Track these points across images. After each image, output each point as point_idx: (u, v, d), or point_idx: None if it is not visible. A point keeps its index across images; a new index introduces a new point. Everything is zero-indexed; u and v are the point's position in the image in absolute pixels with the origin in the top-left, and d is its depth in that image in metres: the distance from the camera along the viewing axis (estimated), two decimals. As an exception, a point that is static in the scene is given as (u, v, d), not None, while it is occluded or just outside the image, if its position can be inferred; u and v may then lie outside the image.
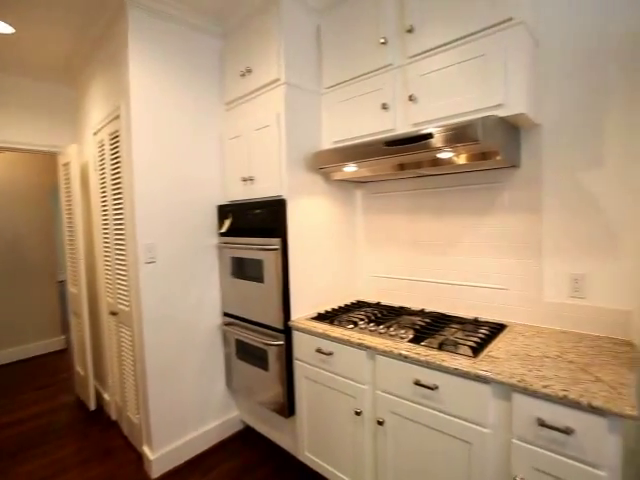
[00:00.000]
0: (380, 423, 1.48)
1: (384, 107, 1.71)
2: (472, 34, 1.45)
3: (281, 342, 1.87)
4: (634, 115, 1.39)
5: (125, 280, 2.13)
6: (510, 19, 1.36)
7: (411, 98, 1.62)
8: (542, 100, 1.58)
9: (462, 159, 1.52)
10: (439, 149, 1.38)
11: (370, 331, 1.62)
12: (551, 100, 1.56)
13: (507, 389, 1.15)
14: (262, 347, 1.98)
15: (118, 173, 2.12)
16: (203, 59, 2.19)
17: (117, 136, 2.10)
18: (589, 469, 1.01)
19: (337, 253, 2.15)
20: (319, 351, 1.71)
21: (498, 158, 1.44)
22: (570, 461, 1.04)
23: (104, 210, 2.37)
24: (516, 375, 1.13)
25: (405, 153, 1.47)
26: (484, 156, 1.47)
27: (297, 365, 1.85)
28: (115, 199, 2.18)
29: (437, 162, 1.57)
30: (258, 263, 1.97)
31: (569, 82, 1.52)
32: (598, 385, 1.05)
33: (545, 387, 1.06)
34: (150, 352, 1.98)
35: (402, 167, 1.70)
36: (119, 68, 2.03)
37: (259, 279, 1.97)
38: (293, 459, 2.09)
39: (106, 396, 2.70)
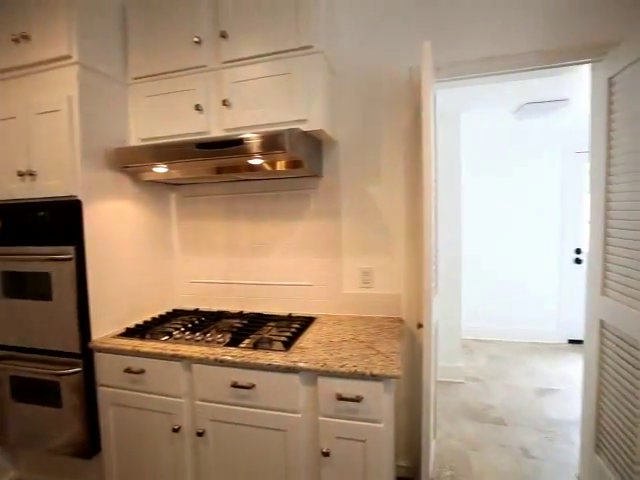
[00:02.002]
0: (200, 434, 1.43)
1: (198, 108, 1.67)
2: (280, 52, 1.57)
3: (78, 369, 1.57)
4: (394, 145, 1.81)
5: None
6: (311, 47, 1.54)
7: (225, 103, 1.63)
8: (338, 120, 1.85)
9: (272, 166, 1.63)
10: (249, 155, 1.44)
11: (186, 340, 1.54)
12: (345, 122, 1.86)
13: (313, 374, 1.30)
14: (52, 379, 1.62)
15: None
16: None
17: None
18: (373, 425, 1.24)
19: (150, 260, 1.96)
20: (129, 371, 1.51)
21: (305, 167, 1.61)
22: (361, 423, 1.25)
23: None
24: (320, 361, 1.29)
25: (217, 157, 1.47)
26: (292, 165, 1.61)
27: (102, 392, 1.59)
28: None
29: (251, 167, 1.63)
30: (44, 277, 1.60)
31: (357, 109, 1.84)
32: (378, 357, 1.31)
33: (342, 366, 1.24)
34: None
35: (219, 171, 1.70)
36: None
37: (46, 296, 1.60)
38: (100, 504, 1.78)
39: None
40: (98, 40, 1.67)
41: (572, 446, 2.14)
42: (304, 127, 1.55)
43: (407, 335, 1.81)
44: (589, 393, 1.74)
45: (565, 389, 2.87)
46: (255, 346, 1.44)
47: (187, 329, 1.67)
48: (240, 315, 1.92)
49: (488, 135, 3.88)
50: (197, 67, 1.68)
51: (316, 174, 1.82)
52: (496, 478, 1.93)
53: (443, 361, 3.01)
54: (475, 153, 3.91)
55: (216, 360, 1.37)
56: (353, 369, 1.22)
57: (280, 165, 1.63)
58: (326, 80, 1.64)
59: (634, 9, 1.54)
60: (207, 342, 1.51)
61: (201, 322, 1.79)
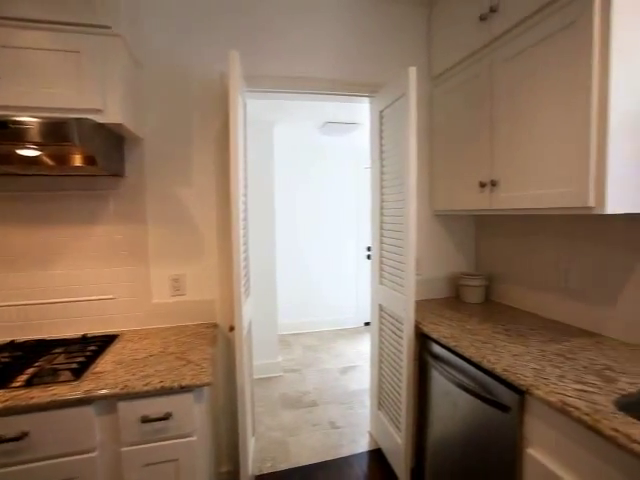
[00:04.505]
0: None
1: None
2: (68, 24, 1.30)
3: None
4: (206, 148, 1.78)
5: None
6: (108, 27, 1.34)
7: (-16, 72, 1.24)
8: (145, 117, 1.70)
9: (57, 160, 1.35)
10: (21, 144, 1.15)
11: None
12: (153, 119, 1.72)
13: (112, 401, 1.13)
14: None
15: None
16: None
17: None
18: (185, 440, 1.19)
19: None
20: None
21: (100, 164, 1.39)
22: (172, 441, 1.18)
23: None
24: (120, 383, 1.14)
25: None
26: (85, 160, 1.37)
27: None
28: None
29: (30, 160, 1.30)
30: None
31: (168, 107, 1.73)
32: (189, 367, 1.26)
33: (146, 385, 1.13)
34: None
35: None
36: None
37: None
38: None
39: None
40: None
41: (366, 409, 2.60)
42: (99, 118, 1.34)
43: (223, 339, 1.81)
44: (374, 363, 2.16)
45: (362, 364, 3.46)
46: (30, 382, 1.14)
47: None
48: (11, 346, 1.50)
49: (299, 147, 4.29)
50: None
51: (116, 173, 1.60)
52: (310, 454, 2.15)
53: (262, 358, 3.16)
54: (288, 162, 4.26)
55: (-39, 414, 1.03)
56: (159, 385, 1.13)
57: (70, 160, 1.36)
58: (128, 70, 1.48)
59: (394, 61, 2.01)
60: (-53, 391, 1.11)
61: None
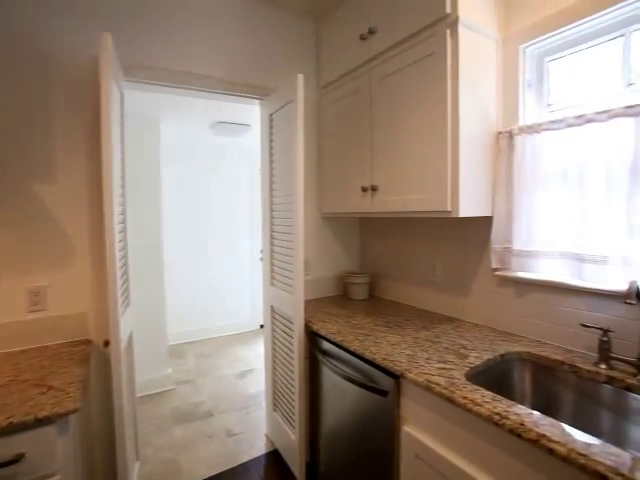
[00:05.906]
0: None
1: None
2: None
3: None
4: (75, 140, 1.55)
5: None
6: None
7: None
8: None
9: None
10: None
11: None
12: (-3, 101, 1.42)
13: None
14: None
15: None
16: None
17: None
18: (44, 482, 1.01)
19: None
20: None
21: None
22: (25, 486, 0.99)
23: None
24: (-53, 426, 0.91)
25: None
26: None
27: None
28: None
29: None
30: None
31: (20, 92, 1.45)
32: (49, 394, 1.08)
33: (-13, 423, 0.93)
34: None
35: None
36: None
37: None
38: None
39: None
40: None
41: (264, 412, 2.59)
42: None
43: (98, 357, 1.59)
44: (268, 365, 2.16)
45: (260, 366, 3.42)
46: None
47: None
48: None
49: (191, 146, 4.04)
50: None
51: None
52: (205, 468, 2.05)
53: (151, 372, 2.89)
54: (178, 161, 3.98)
55: None
56: (6, 422, 0.93)
57: None
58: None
59: (285, 67, 2.05)
60: None
61: None
